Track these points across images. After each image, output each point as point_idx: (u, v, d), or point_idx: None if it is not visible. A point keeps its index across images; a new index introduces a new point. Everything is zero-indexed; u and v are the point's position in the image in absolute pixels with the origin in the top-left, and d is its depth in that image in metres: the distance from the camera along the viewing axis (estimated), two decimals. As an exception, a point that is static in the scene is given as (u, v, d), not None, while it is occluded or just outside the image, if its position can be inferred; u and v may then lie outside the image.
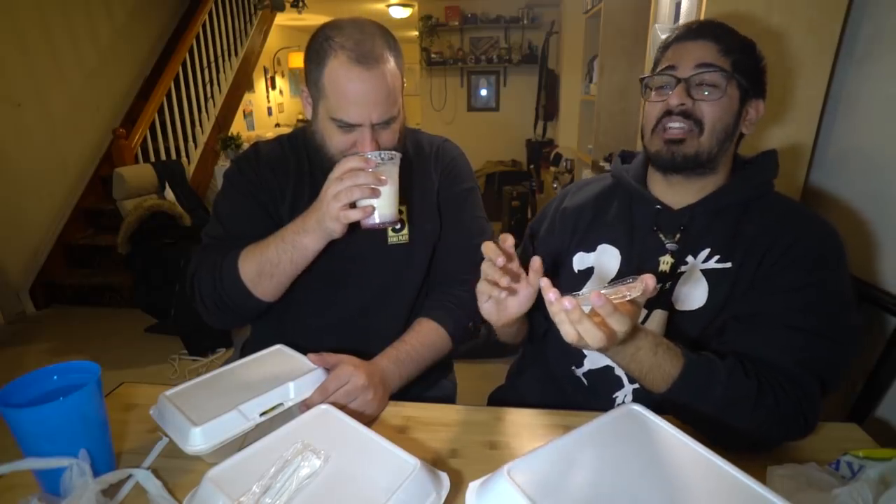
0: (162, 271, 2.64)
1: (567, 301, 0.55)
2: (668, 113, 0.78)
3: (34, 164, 3.27)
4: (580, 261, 0.90)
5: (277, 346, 0.85)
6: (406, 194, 0.97)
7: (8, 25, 3.09)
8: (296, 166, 0.97)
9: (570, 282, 0.90)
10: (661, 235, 0.83)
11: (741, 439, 0.68)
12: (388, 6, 5.51)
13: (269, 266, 0.83)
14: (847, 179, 1.30)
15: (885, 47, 1.18)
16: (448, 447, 0.72)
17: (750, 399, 0.67)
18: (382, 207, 0.79)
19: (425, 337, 0.92)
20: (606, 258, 0.87)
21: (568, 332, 0.57)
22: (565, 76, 4.56)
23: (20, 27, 3.17)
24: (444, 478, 0.61)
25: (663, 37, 0.85)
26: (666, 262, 0.82)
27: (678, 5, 1.53)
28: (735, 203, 0.80)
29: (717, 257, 0.78)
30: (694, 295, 0.78)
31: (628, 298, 0.58)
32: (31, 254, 3.30)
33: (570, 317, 0.56)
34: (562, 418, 0.78)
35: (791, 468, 0.62)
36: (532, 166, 5.02)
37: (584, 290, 0.63)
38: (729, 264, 0.77)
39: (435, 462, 0.68)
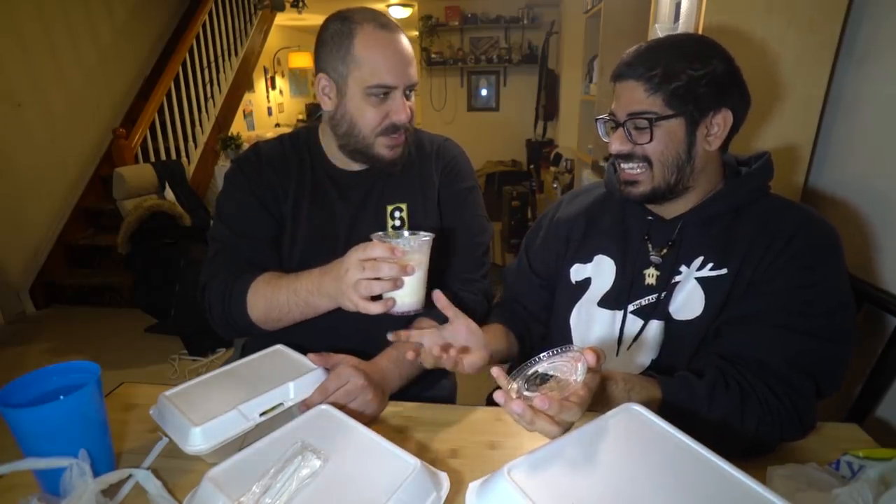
0: (162, 271, 2.64)
1: (516, 405, 0.57)
2: (616, 156, 0.80)
3: (34, 164, 3.27)
4: (577, 272, 0.90)
5: (277, 346, 0.85)
6: (407, 193, 0.98)
7: (8, 25, 3.09)
8: (297, 165, 0.97)
9: (569, 293, 0.91)
10: (649, 246, 0.83)
11: (737, 446, 0.68)
12: (388, 6, 5.51)
13: (278, 312, 0.85)
14: (847, 179, 1.30)
15: (885, 47, 1.18)
16: (448, 447, 0.72)
17: (735, 410, 0.68)
18: (405, 297, 0.73)
19: None
20: (602, 269, 0.87)
21: (524, 426, 0.60)
22: (565, 76, 4.56)
23: (20, 26, 3.17)
24: (444, 478, 0.61)
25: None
26: (651, 274, 0.82)
27: (678, 5, 1.53)
28: (728, 210, 0.79)
29: (710, 265, 0.77)
30: (691, 304, 0.78)
31: (576, 382, 0.59)
32: (31, 254, 3.29)
33: (524, 418, 0.58)
34: (562, 418, 0.78)
35: (791, 468, 0.62)
36: (532, 166, 5.01)
37: (540, 361, 0.61)
38: (724, 271, 0.76)
39: (435, 462, 0.68)
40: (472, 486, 0.54)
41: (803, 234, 0.74)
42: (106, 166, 3.64)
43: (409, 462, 0.59)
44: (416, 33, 5.60)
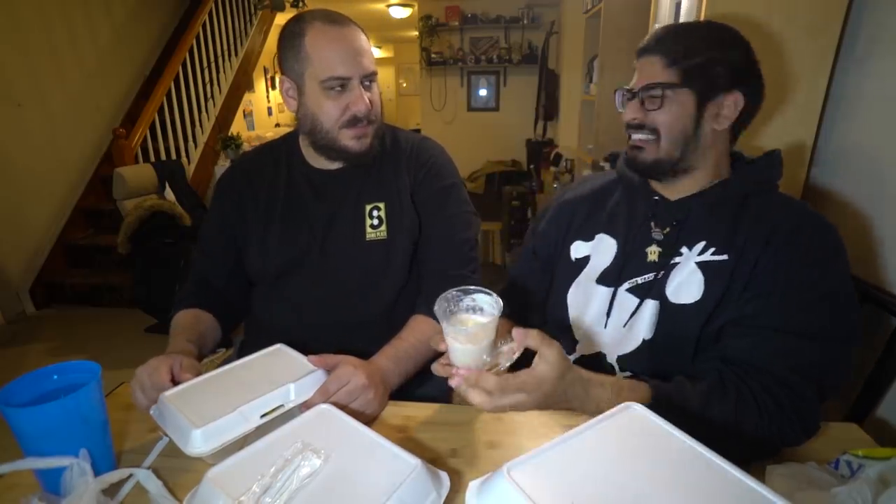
0: (162, 271, 2.64)
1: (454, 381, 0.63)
2: (629, 125, 0.84)
3: (34, 164, 3.27)
4: (577, 249, 0.93)
5: (278, 346, 0.85)
6: (385, 192, 0.99)
7: (8, 25, 3.10)
8: (272, 169, 1.02)
9: (568, 271, 0.93)
10: (651, 224, 0.85)
11: (733, 452, 0.65)
12: (388, 6, 5.51)
13: None
14: (847, 179, 1.30)
15: (886, 47, 1.18)
16: (448, 447, 0.72)
17: (730, 418, 0.67)
18: (463, 363, 0.65)
19: (421, 333, 0.92)
20: (603, 247, 0.89)
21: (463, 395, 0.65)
22: (565, 76, 4.56)
23: (21, 27, 3.17)
24: (444, 477, 0.61)
25: None
26: (653, 251, 0.84)
27: (678, 5, 1.53)
28: (733, 197, 0.79)
29: (712, 249, 0.78)
30: (689, 288, 0.78)
31: (504, 367, 0.64)
32: (31, 254, 3.29)
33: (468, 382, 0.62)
34: (562, 417, 0.78)
35: (790, 467, 0.62)
36: (532, 166, 5.01)
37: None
38: (725, 257, 0.76)
39: (435, 462, 0.68)
40: (472, 486, 0.54)
41: (807, 230, 0.74)
42: (106, 166, 3.64)
43: (409, 461, 0.59)
44: (416, 33, 5.60)
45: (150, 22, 4.43)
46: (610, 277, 0.87)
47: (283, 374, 0.77)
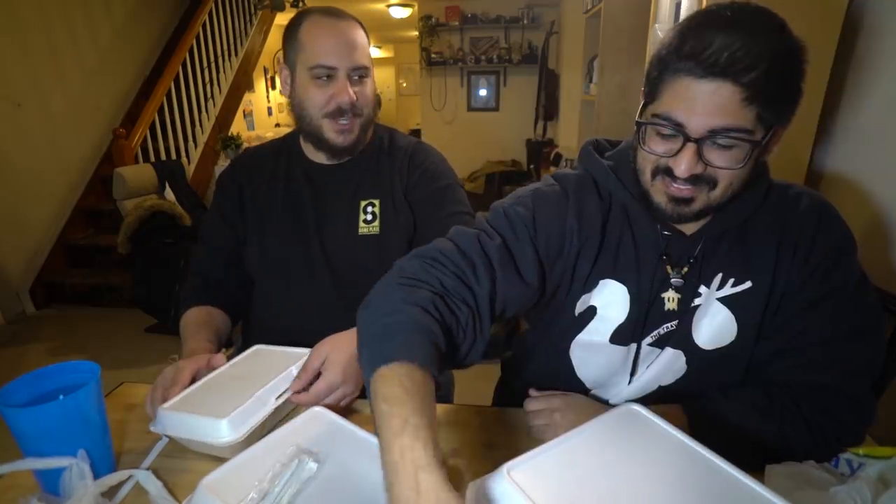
0: (162, 271, 2.64)
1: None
2: (673, 174, 0.61)
3: (34, 164, 3.27)
4: (582, 303, 0.74)
5: (256, 347, 0.86)
6: (381, 189, 1.00)
7: (8, 25, 3.09)
8: (272, 163, 1.03)
9: (568, 325, 0.75)
10: (668, 268, 0.70)
11: (780, 459, 0.62)
12: (388, 6, 5.52)
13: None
14: (845, 180, 1.30)
15: (886, 45, 1.18)
16: (448, 447, 0.72)
17: (770, 442, 0.64)
18: None
19: None
20: (611, 297, 0.72)
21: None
22: (565, 76, 4.56)
23: (21, 27, 3.17)
24: (444, 477, 0.61)
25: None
26: (671, 298, 0.71)
27: (678, 5, 1.54)
28: (749, 214, 0.68)
29: (731, 280, 0.68)
30: (721, 330, 0.69)
31: None
32: (31, 254, 3.29)
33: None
34: (561, 418, 0.78)
35: (789, 466, 0.62)
36: (532, 166, 5.02)
37: None
38: (748, 284, 0.68)
39: (434, 462, 0.68)
40: (472, 486, 0.54)
41: (824, 224, 0.67)
42: (106, 166, 3.64)
43: (408, 462, 0.58)
44: (416, 33, 5.60)
45: (150, 22, 4.43)
46: (626, 335, 0.72)
47: (276, 364, 0.78)
